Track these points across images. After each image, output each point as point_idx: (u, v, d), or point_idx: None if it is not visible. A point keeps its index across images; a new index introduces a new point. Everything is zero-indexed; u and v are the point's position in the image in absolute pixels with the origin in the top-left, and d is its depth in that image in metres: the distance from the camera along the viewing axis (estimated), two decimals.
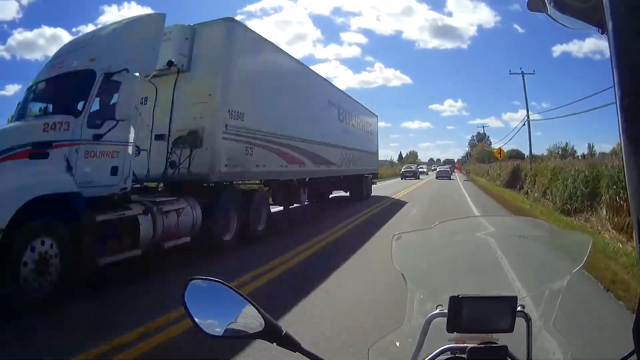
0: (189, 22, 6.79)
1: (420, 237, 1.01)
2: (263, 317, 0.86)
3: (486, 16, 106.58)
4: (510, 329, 0.76)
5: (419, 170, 48.12)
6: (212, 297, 0.91)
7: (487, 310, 0.76)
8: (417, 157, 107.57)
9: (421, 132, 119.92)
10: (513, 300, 0.76)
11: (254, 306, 0.87)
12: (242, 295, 0.89)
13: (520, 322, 0.78)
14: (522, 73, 25.70)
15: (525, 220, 1.93)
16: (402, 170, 44.42)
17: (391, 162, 68.95)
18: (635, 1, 0.44)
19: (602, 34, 0.51)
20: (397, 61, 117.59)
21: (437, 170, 44.55)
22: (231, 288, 0.89)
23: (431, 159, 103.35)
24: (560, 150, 40.96)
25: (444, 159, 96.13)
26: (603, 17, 0.47)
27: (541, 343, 0.83)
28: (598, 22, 0.53)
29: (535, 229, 1.15)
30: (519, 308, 0.77)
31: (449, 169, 44.73)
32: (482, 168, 47.95)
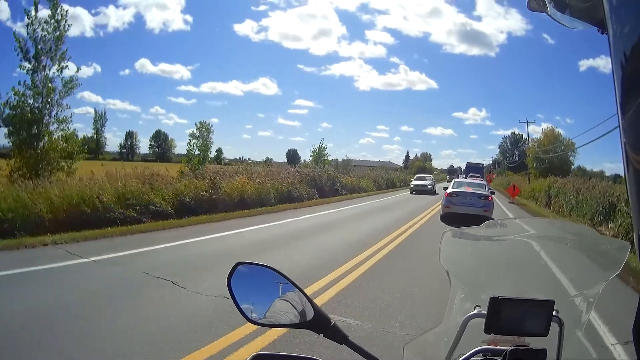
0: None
1: (468, 236, 1.00)
2: (313, 306, 0.81)
3: (517, 23, 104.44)
4: (545, 333, 0.76)
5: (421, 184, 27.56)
6: (260, 283, 0.86)
7: (525, 313, 0.76)
8: (429, 160, 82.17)
9: (443, 139, 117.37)
10: (550, 304, 0.75)
11: (304, 294, 0.83)
12: (292, 283, 0.84)
13: (552, 326, 0.77)
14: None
15: (566, 225, 1.86)
16: (413, 182, 28.92)
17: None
18: (636, 1, 0.43)
19: (602, 34, 0.50)
20: (423, 64, 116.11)
21: (450, 190, 12.34)
22: (281, 274, 0.85)
23: (451, 166, 63.72)
24: None
25: (465, 164, 52.96)
26: (603, 17, 0.47)
27: (571, 348, 0.82)
28: (598, 22, 0.52)
29: (576, 234, 1.13)
30: (553, 313, 0.77)
31: (483, 187, 13.21)
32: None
